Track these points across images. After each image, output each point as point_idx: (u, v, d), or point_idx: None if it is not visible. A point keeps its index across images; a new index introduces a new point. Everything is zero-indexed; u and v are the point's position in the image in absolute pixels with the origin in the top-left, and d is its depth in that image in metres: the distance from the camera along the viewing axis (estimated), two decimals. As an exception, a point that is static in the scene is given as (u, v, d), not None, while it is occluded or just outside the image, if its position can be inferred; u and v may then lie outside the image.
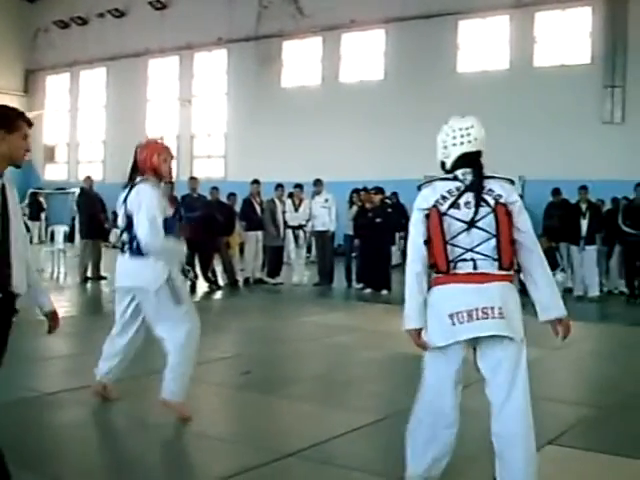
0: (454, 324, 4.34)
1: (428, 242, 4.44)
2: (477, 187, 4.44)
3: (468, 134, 4.56)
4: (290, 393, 7.51)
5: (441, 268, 4.41)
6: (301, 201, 17.52)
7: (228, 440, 6.01)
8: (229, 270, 16.69)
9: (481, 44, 25.44)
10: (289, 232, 17.33)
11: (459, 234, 4.40)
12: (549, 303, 4.53)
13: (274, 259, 17.43)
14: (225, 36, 30.13)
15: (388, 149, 25.54)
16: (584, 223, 15.48)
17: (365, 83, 27.41)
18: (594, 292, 15.49)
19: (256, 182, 17.52)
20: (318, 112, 27.40)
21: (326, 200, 17.17)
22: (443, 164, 4.67)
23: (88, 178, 18.01)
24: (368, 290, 16.00)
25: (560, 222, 16.14)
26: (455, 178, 4.51)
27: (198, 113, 31.97)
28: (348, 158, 25.92)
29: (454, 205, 4.41)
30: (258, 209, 17.19)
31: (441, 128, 4.69)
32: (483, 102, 22.89)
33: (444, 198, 4.43)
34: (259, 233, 17.09)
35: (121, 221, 6.32)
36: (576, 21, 23.87)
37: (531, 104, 23.02)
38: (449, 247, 4.39)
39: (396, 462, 4.75)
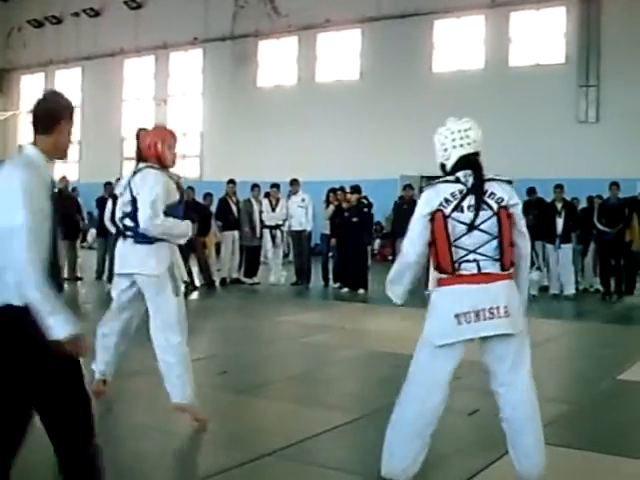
0: (460, 323, 4.45)
1: (432, 244, 4.53)
2: (478, 190, 4.53)
3: (467, 136, 4.65)
4: (267, 393, 7.51)
5: (446, 269, 4.51)
6: (278, 201, 17.48)
7: (206, 440, 5.99)
8: (205, 270, 16.64)
9: (456, 44, 25.56)
10: (266, 232, 17.30)
11: (462, 236, 4.49)
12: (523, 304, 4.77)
13: (251, 259, 17.40)
14: (201, 36, 30.09)
15: (364, 149, 25.59)
16: (560, 222, 15.56)
17: (341, 83, 27.46)
18: (570, 290, 15.56)
19: (232, 182, 17.46)
20: (294, 112, 27.41)
21: (303, 200, 17.13)
22: (443, 166, 4.75)
23: (64, 178, 17.91)
24: (345, 289, 16.01)
25: (536, 221, 16.19)
26: (457, 180, 4.58)
27: (174, 113, 31.87)
28: (324, 158, 25.94)
29: (457, 208, 4.49)
30: (234, 209, 17.14)
31: (438, 131, 4.78)
32: (458, 101, 22.96)
33: (447, 201, 4.51)
34: (235, 233, 17.04)
35: (123, 206, 6.10)
36: (550, 21, 24.07)
37: (506, 103, 23.17)
38: (453, 249, 4.49)
39: (373, 461, 4.76)
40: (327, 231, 17.01)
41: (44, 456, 4.03)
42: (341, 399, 7.35)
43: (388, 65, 25.84)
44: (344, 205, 16.24)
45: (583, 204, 17.51)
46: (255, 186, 17.75)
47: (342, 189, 16.82)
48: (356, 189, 16.38)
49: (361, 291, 15.71)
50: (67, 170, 29.00)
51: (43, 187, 3.71)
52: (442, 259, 4.50)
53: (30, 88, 36.39)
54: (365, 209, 16.42)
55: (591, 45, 23.06)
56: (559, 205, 15.75)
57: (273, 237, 17.35)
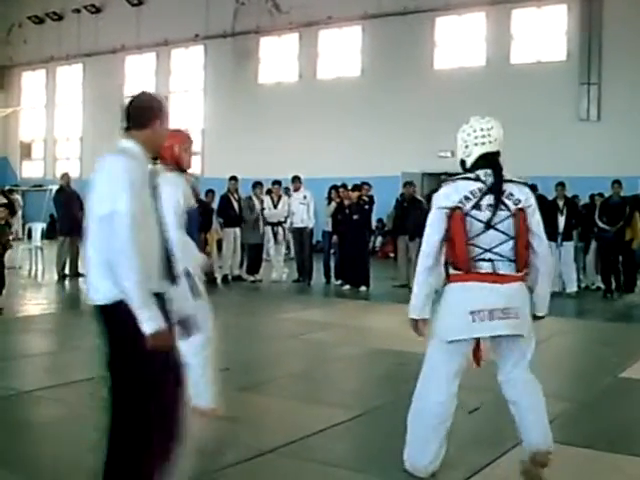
0: (474, 321, 4.54)
1: (449, 240, 4.59)
2: (498, 190, 4.60)
3: (489, 134, 4.74)
4: (269, 390, 7.51)
5: (462, 266, 4.58)
6: (280, 198, 17.48)
7: (207, 437, 5.99)
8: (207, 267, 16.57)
9: (458, 41, 25.52)
10: (268, 229, 17.29)
11: (479, 234, 4.58)
12: (541, 303, 4.92)
13: (253, 256, 17.37)
14: (202, 32, 30.08)
15: (365, 145, 25.57)
16: (561, 219, 15.51)
17: (342, 80, 27.42)
18: (572, 288, 15.50)
19: (234, 179, 17.44)
20: (295, 108, 27.41)
21: (304, 197, 17.11)
22: (463, 162, 4.82)
23: (65, 175, 17.92)
24: (347, 286, 16.00)
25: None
26: (477, 178, 4.65)
27: (175, 109, 31.82)
28: (325, 155, 25.95)
29: (476, 206, 4.57)
30: (236, 205, 17.11)
31: (462, 127, 4.84)
32: (460, 99, 23.00)
33: (467, 199, 4.59)
34: (237, 230, 17.00)
35: None
36: (552, 18, 24.02)
37: (508, 101, 23.10)
38: (470, 247, 4.56)
39: (374, 458, 4.76)
40: (329, 228, 17.00)
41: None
42: (342, 396, 7.36)
43: (389, 62, 25.82)
44: (346, 202, 16.23)
45: (583, 200, 17.48)
46: (258, 184, 17.73)
47: (344, 186, 16.81)
48: (358, 187, 16.37)
49: (363, 288, 15.71)
50: (69, 167, 29.11)
51: (145, 177, 3.74)
52: (459, 256, 4.57)
53: (31, 84, 36.44)
54: (366, 206, 16.41)
55: (592, 42, 23.03)
56: (561, 203, 15.70)
57: (275, 234, 17.33)
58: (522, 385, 4.80)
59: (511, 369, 4.77)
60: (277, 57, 29.24)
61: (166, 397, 3.81)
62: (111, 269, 3.56)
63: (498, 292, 4.55)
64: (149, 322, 3.56)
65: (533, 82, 23.28)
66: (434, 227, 4.65)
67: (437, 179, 17.29)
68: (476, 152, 4.72)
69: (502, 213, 4.58)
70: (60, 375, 7.88)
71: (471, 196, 4.58)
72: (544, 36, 24.20)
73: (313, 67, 28.31)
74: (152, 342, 3.59)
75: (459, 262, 4.58)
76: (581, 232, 16.15)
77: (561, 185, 15.86)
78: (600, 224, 15.53)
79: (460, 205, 4.56)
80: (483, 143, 4.71)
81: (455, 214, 4.55)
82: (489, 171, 4.66)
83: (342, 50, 27.79)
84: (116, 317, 3.63)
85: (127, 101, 3.98)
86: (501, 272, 4.58)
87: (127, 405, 3.77)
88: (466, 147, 4.77)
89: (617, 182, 15.67)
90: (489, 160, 4.70)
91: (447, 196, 4.64)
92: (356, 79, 27.13)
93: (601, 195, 16.71)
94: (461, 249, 4.55)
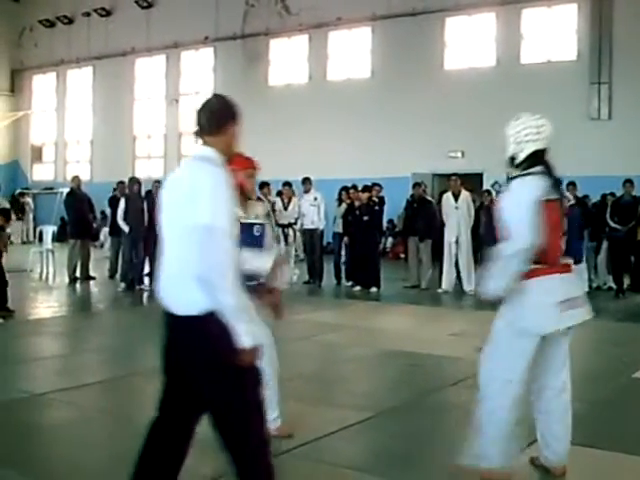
0: (562, 311, 4.58)
1: (540, 235, 4.53)
2: (559, 186, 4.74)
3: (541, 132, 4.82)
4: (280, 392, 7.49)
5: (552, 260, 4.61)
6: (290, 199, 17.47)
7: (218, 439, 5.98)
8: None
9: (468, 41, 25.47)
10: (279, 230, 17.27)
11: None
12: None
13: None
14: (212, 35, 30.11)
15: (376, 147, 25.54)
16: (572, 219, 15.48)
17: (352, 81, 27.41)
18: (583, 288, 15.43)
19: (245, 181, 17.41)
20: (305, 110, 27.40)
21: (315, 198, 17.10)
22: (512, 159, 4.83)
23: (76, 178, 17.94)
24: (357, 288, 16.00)
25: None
26: (541, 173, 4.70)
27: (185, 112, 31.87)
28: (335, 156, 25.93)
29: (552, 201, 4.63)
30: (246, 207, 17.07)
31: (512, 124, 4.85)
32: (470, 99, 23.01)
33: (548, 193, 4.62)
34: (247, 232, 16.98)
35: None
36: (562, 18, 23.94)
37: (518, 101, 22.99)
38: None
39: (385, 460, 4.73)
40: (339, 229, 16.99)
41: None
42: (354, 398, 7.34)
43: (399, 63, 25.79)
44: (356, 203, 16.22)
45: (593, 200, 17.43)
46: (265, 184, 17.67)
47: (354, 187, 16.80)
48: (368, 188, 16.36)
49: (373, 289, 15.69)
50: (80, 170, 29.18)
51: (230, 187, 3.65)
52: (552, 250, 4.59)
53: (42, 88, 36.54)
54: (376, 207, 16.39)
55: (603, 42, 22.95)
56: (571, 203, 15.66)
57: (285, 236, 17.32)
58: (565, 392, 4.89)
59: (561, 368, 4.86)
60: (287, 59, 29.23)
61: (256, 406, 3.78)
62: (205, 281, 3.47)
63: (571, 281, 4.70)
64: (246, 336, 3.48)
65: (543, 82, 23.21)
66: (530, 221, 4.48)
67: (447, 179, 17.23)
68: (528, 149, 4.75)
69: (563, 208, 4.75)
70: (71, 378, 7.89)
71: (549, 190, 4.62)
72: (554, 36, 24.13)
73: (323, 69, 28.30)
74: (245, 356, 3.52)
75: (550, 256, 4.59)
76: (592, 232, 16.09)
77: (572, 185, 15.80)
78: (611, 224, 15.49)
79: (551, 198, 4.59)
80: (535, 140, 4.76)
81: (548, 206, 4.55)
82: (543, 168, 4.71)
83: (352, 51, 27.77)
84: (207, 328, 3.52)
85: (200, 105, 3.90)
86: (567, 262, 4.71)
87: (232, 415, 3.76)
88: (517, 144, 4.78)
89: (629, 181, 15.62)
90: (539, 157, 4.75)
91: (536, 187, 4.59)
92: (366, 80, 27.11)
93: (613, 195, 16.66)
94: (555, 242, 4.61)
